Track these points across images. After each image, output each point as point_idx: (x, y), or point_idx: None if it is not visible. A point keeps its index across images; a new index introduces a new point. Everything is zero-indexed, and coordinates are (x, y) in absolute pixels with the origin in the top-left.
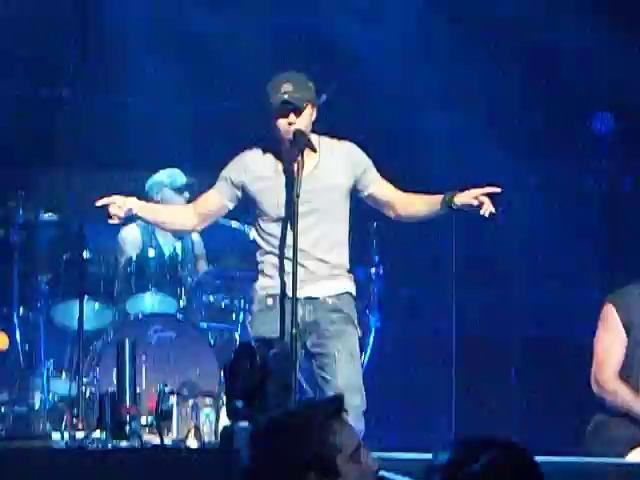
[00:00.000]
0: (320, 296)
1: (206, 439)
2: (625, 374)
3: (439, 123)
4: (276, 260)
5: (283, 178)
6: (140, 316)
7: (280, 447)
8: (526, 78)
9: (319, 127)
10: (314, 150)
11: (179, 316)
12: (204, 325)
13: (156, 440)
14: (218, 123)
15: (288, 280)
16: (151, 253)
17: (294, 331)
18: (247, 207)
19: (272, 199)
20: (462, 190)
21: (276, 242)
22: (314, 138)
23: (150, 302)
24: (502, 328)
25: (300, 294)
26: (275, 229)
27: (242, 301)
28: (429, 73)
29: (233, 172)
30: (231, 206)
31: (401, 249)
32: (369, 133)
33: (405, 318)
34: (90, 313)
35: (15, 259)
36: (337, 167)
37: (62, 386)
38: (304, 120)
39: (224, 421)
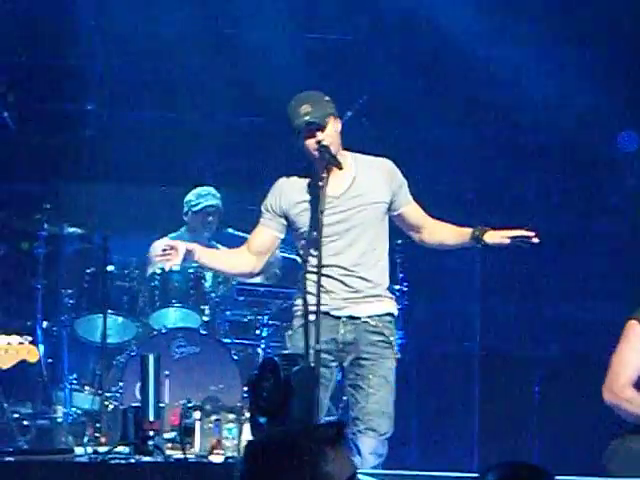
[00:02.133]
0: (362, 316)
1: (229, 454)
2: None
3: (465, 137)
4: (320, 278)
5: (318, 199)
6: (163, 331)
7: (271, 466)
8: (553, 93)
9: (350, 144)
10: (339, 166)
11: (202, 331)
12: (227, 340)
13: (179, 455)
14: (247, 138)
15: (329, 298)
16: (175, 267)
17: (318, 347)
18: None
19: (310, 221)
20: (494, 229)
21: (316, 262)
22: (348, 155)
23: (174, 317)
24: (526, 345)
25: (342, 313)
26: (314, 249)
27: (265, 317)
28: (451, 87)
29: (272, 201)
30: (282, 236)
31: (425, 266)
32: (395, 146)
33: (429, 334)
34: (114, 327)
35: (39, 272)
36: (375, 183)
37: (85, 400)
38: (330, 134)
39: (247, 437)
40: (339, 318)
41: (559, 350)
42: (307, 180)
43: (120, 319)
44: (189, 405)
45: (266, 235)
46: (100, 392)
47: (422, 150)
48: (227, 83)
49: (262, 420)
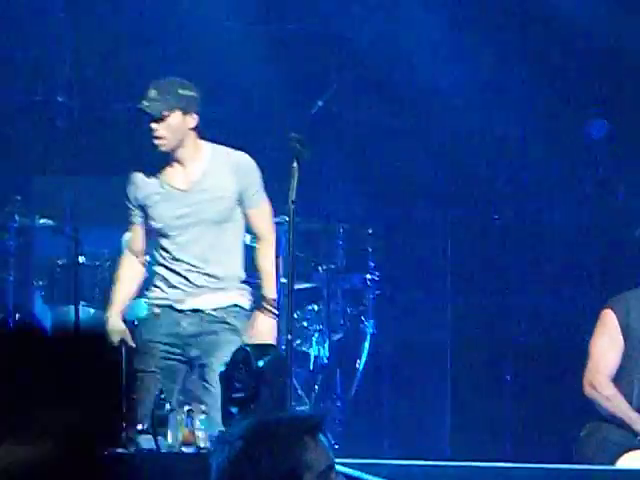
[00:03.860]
0: (205, 308)
1: (201, 445)
2: (620, 378)
3: (434, 128)
4: (165, 272)
5: (169, 190)
6: (135, 322)
7: (247, 457)
8: (523, 82)
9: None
10: (304, 158)
11: None
12: None
13: (151, 446)
14: (217, 129)
15: (172, 292)
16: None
17: (289, 337)
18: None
19: (161, 213)
20: None
21: (166, 255)
22: (203, 147)
23: (145, 308)
24: (497, 333)
25: (185, 306)
26: (164, 242)
27: None
28: (425, 77)
29: (130, 196)
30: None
31: (396, 255)
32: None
33: (400, 324)
34: (85, 319)
35: (11, 264)
36: (224, 178)
37: None
38: (168, 127)
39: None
40: (182, 311)
41: (529, 337)
42: (161, 171)
43: (92, 310)
44: (161, 396)
45: (140, 233)
46: None
47: (397, 136)
48: (195, 74)
49: (234, 410)
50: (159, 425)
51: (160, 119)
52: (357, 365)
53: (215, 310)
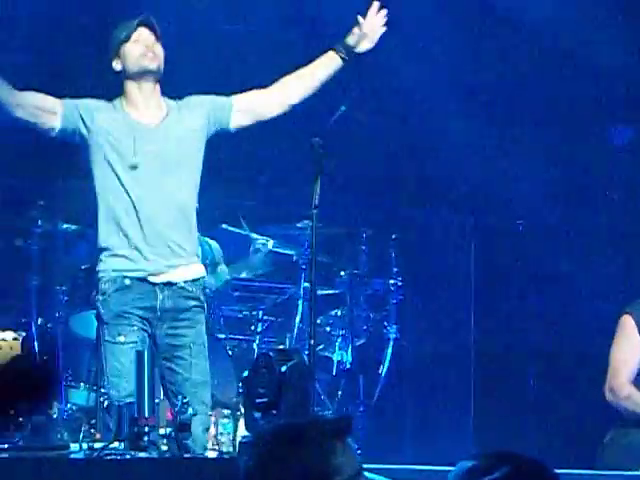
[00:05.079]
0: (179, 282)
1: (224, 450)
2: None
3: (456, 132)
4: (125, 240)
5: (135, 125)
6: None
7: (277, 459)
8: (544, 88)
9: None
10: (326, 164)
11: None
12: (222, 336)
13: (174, 451)
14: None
15: (146, 263)
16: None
17: (312, 342)
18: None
19: (121, 160)
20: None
21: (130, 215)
22: (161, 99)
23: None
24: (521, 339)
25: (159, 279)
26: (127, 185)
27: (260, 312)
28: (447, 80)
29: (84, 103)
30: (60, 120)
31: (419, 260)
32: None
33: (423, 329)
34: None
35: (34, 269)
36: (188, 114)
37: (80, 396)
38: (160, 50)
39: (242, 432)
40: (156, 285)
41: (553, 343)
42: (124, 107)
43: None
44: (184, 401)
45: (54, 102)
46: (95, 388)
47: (409, 138)
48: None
49: (257, 415)
50: (182, 430)
51: (159, 37)
52: (380, 370)
53: (186, 283)
